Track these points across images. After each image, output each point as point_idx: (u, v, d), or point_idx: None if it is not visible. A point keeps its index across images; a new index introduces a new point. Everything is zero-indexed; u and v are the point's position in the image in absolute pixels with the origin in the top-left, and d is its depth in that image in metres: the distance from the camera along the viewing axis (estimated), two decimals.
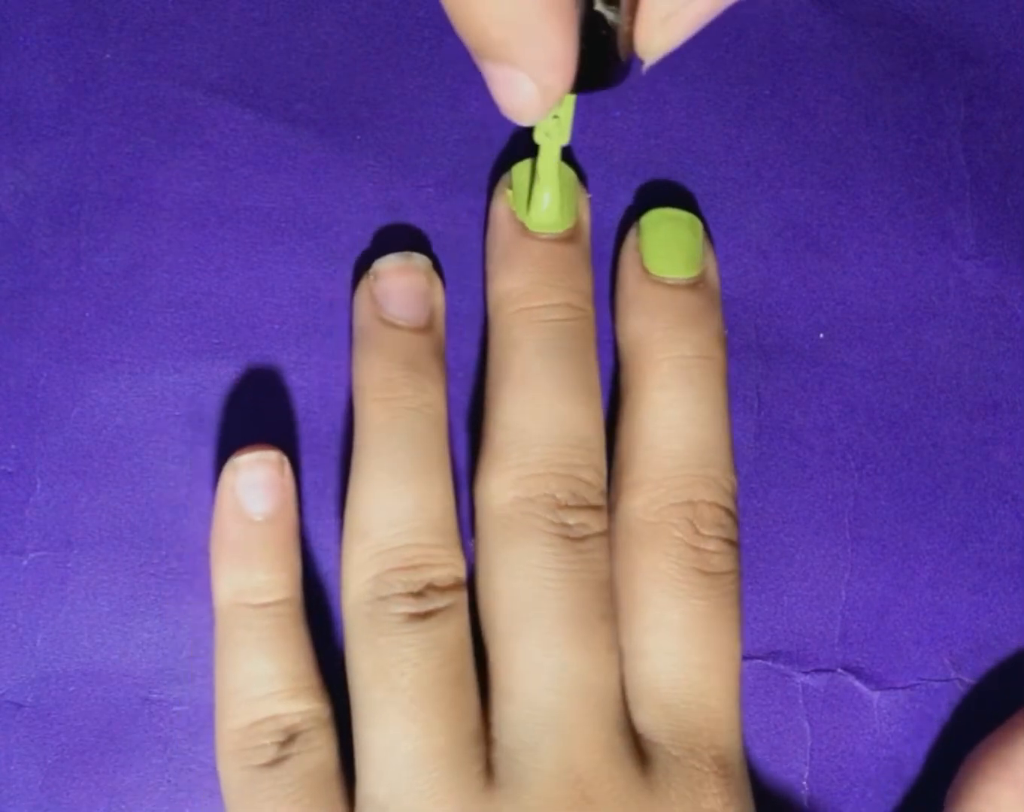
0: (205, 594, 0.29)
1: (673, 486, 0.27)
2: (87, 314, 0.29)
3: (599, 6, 0.22)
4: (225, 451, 0.29)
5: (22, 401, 0.29)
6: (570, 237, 0.29)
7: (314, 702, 0.27)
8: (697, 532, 0.27)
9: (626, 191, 0.30)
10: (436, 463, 0.28)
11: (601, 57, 0.23)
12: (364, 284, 0.29)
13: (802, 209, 0.30)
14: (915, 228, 0.30)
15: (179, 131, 0.30)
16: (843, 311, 0.30)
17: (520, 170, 0.29)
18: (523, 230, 0.29)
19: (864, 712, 0.29)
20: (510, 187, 0.29)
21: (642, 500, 0.28)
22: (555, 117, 0.27)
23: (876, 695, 0.29)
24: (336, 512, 0.29)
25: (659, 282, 0.29)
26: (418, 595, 0.27)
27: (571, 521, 0.27)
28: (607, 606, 0.27)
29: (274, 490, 0.28)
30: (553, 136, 0.27)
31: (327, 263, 0.30)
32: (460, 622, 0.27)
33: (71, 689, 0.28)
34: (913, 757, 0.29)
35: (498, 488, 0.27)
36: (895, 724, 0.29)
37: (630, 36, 0.23)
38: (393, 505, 0.27)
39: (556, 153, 0.28)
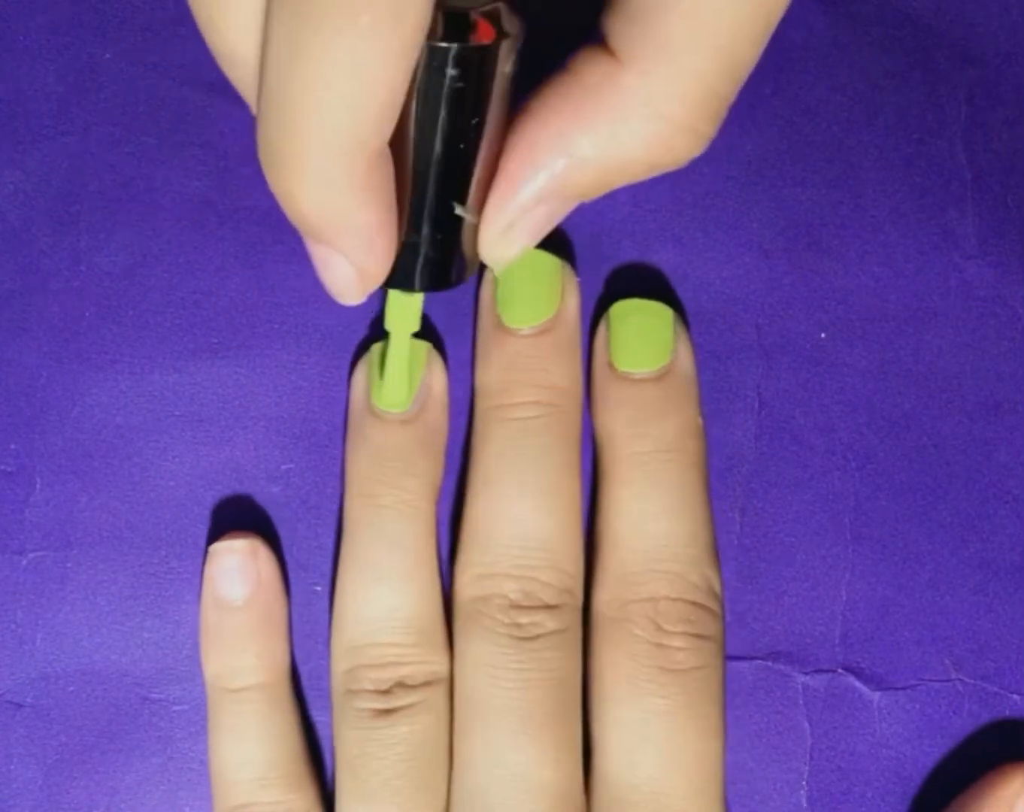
0: None
1: (634, 583, 0.27)
2: (87, 314, 0.29)
3: (459, 210, 0.22)
4: (225, 450, 0.29)
5: (22, 401, 0.29)
6: (548, 328, 0.28)
7: (286, 794, 0.27)
8: (660, 629, 0.27)
9: (626, 191, 0.30)
10: (413, 562, 0.28)
11: (454, 256, 0.23)
12: (361, 367, 0.29)
13: (803, 208, 0.30)
14: (916, 228, 0.30)
15: (179, 131, 0.30)
16: (844, 311, 0.30)
17: (507, 275, 0.28)
18: (498, 323, 0.28)
19: (864, 712, 0.29)
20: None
21: (605, 597, 0.28)
22: (407, 307, 0.26)
23: (876, 695, 0.29)
24: (333, 504, 0.29)
25: (623, 377, 0.28)
26: (385, 692, 0.27)
27: (524, 621, 0.27)
28: (560, 705, 0.27)
29: (246, 576, 0.28)
30: (404, 324, 0.27)
31: None
32: (430, 719, 0.27)
33: (71, 689, 0.29)
34: (913, 757, 0.29)
35: (460, 585, 0.28)
36: (895, 724, 0.29)
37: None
38: (365, 604, 0.28)
39: (406, 339, 0.27)
